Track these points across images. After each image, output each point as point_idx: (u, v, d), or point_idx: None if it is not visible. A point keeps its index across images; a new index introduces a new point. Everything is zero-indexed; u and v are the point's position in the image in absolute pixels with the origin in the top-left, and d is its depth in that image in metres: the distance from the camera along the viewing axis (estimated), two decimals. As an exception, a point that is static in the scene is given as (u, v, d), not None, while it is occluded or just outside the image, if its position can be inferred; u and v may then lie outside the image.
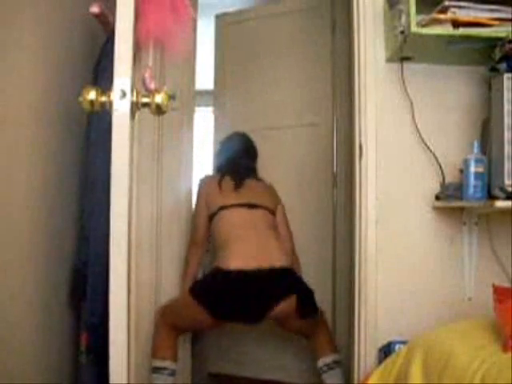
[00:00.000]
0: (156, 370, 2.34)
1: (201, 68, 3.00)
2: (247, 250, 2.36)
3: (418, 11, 1.76)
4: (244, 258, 2.32)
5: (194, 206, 2.76)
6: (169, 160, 2.65)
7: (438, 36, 1.80)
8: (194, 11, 2.42)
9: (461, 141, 2.02)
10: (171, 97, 1.22)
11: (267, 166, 2.95)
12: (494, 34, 1.77)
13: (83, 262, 2.07)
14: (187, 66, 2.81)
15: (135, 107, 1.18)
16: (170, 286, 2.60)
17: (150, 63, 1.43)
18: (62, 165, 2.11)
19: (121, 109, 1.13)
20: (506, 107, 1.70)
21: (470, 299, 2.02)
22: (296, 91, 3.11)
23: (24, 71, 1.80)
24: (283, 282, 2.35)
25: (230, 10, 3.41)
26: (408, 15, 1.76)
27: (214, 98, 3.48)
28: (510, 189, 1.70)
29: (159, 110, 1.20)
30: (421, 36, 1.79)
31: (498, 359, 1.29)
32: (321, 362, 2.42)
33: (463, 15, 1.78)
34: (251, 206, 2.52)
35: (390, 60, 2.04)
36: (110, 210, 1.14)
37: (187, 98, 2.81)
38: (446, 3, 1.77)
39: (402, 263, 2.03)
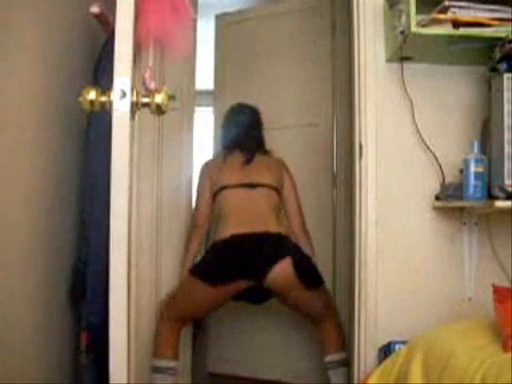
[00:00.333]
0: (157, 369, 2.33)
1: (201, 68, 3.00)
2: (243, 220, 2.39)
3: (418, 11, 1.76)
4: (239, 226, 2.36)
5: (194, 206, 2.75)
6: (169, 160, 2.65)
7: (438, 36, 1.80)
8: (194, 11, 2.41)
9: (461, 141, 2.03)
10: (171, 97, 1.22)
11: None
12: (494, 34, 1.78)
13: (83, 261, 2.08)
14: (187, 66, 2.81)
15: (135, 107, 1.17)
16: (170, 284, 2.60)
17: (150, 63, 1.43)
18: (62, 165, 2.11)
19: (121, 109, 1.13)
20: (506, 107, 1.70)
21: (469, 299, 2.03)
22: (296, 91, 3.12)
23: (24, 72, 1.80)
24: (277, 245, 2.35)
25: (230, 10, 3.41)
26: (408, 15, 1.76)
27: (213, 98, 3.48)
28: (510, 189, 1.70)
29: (159, 110, 1.20)
30: (421, 36, 1.79)
31: (498, 359, 1.29)
32: (329, 358, 2.38)
33: (463, 15, 1.78)
34: (253, 186, 2.49)
35: (389, 60, 2.04)
36: (110, 210, 1.14)
37: (187, 98, 2.82)
38: (446, 3, 1.77)
39: (402, 263, 2.03)
